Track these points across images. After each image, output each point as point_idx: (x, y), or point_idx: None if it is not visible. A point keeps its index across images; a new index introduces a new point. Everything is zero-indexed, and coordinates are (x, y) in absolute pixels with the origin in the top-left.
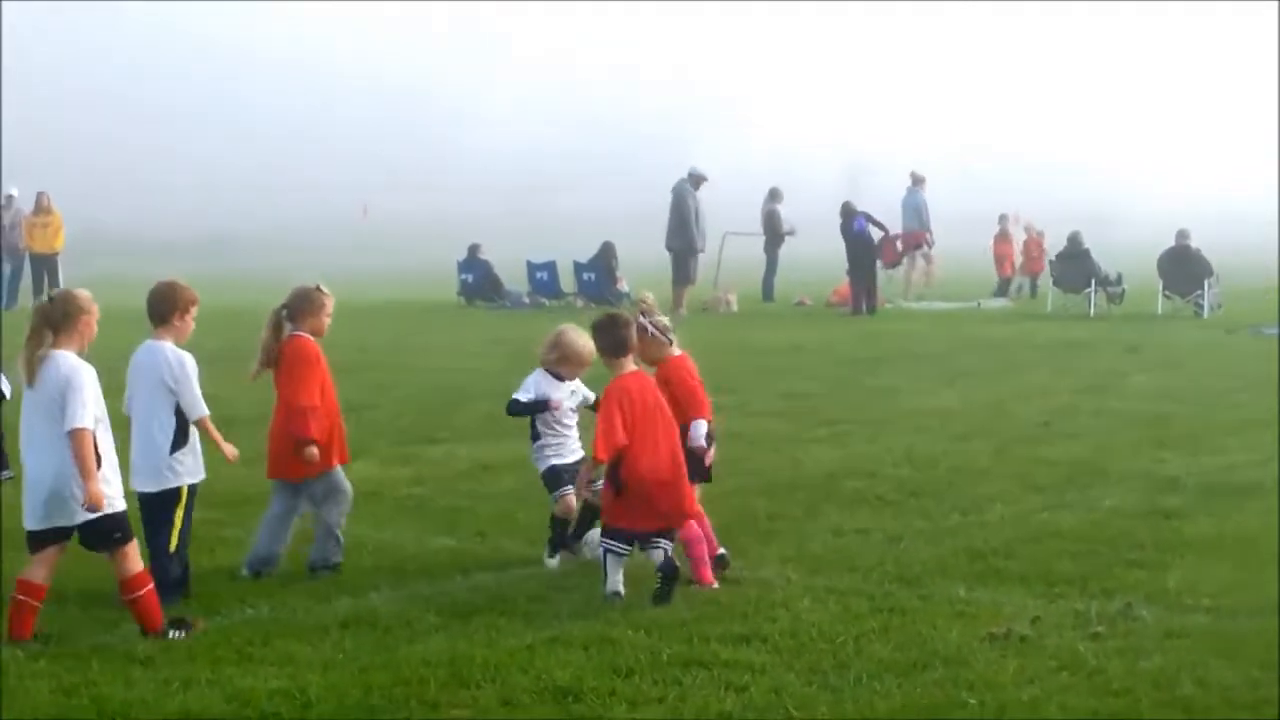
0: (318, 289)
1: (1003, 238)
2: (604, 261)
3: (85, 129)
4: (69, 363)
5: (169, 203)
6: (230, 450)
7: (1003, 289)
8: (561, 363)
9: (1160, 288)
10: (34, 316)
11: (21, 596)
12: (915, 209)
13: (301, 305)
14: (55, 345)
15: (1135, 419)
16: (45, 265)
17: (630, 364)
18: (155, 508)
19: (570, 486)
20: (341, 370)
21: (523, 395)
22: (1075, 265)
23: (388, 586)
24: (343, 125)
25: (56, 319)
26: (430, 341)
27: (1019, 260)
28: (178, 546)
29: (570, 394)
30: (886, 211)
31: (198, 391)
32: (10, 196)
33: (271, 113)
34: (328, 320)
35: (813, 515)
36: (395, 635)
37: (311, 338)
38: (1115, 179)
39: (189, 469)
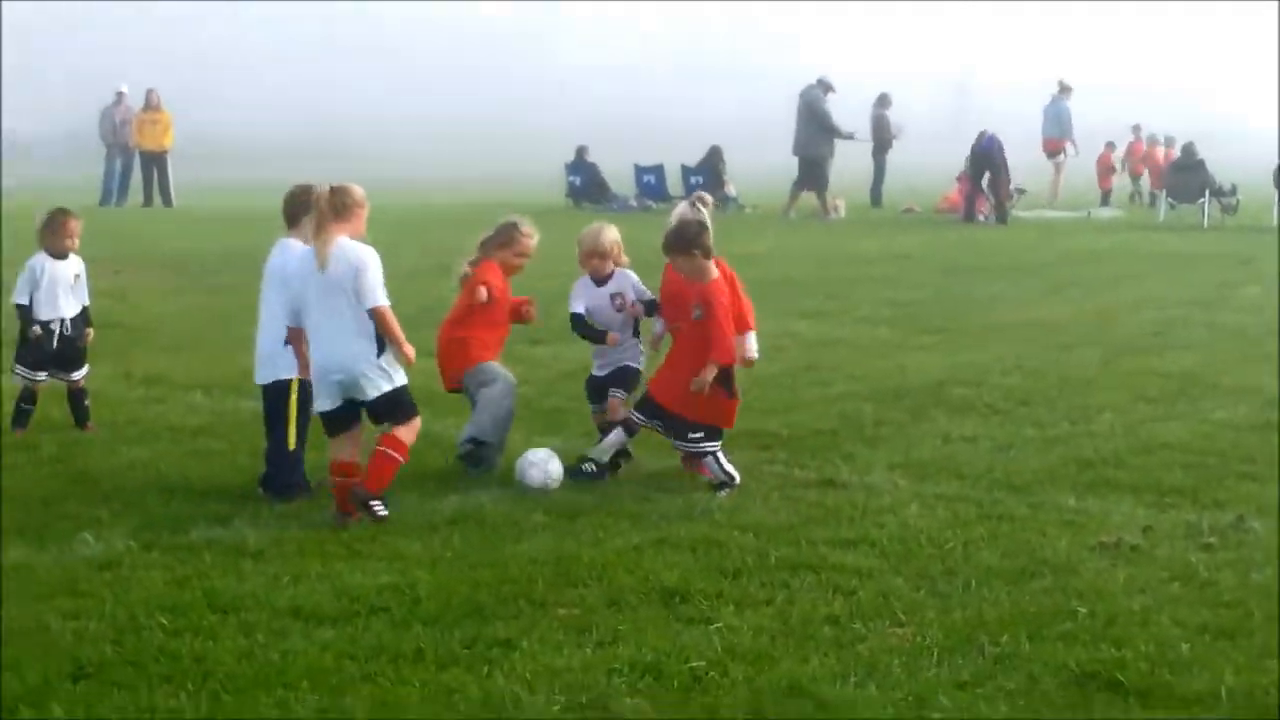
0: (518, 227)
1: (1110, 150)
2: (712, 165)
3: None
4: (356, 247)
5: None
6: (304, 363)
7: (1106, 200)
8: (586, 261)
9: (1276, 199)
10: (318, 206)
11: (339, 478)
12: (1057, 117)
13: (499, 238)
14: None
15: (1247, 332)
16: (155, 162)
17: (714, 267)
18: (272, 401)
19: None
20: (446, 272)
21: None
22: (1189, 176)
23: (495, 485)
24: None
25: (339, 209)
26: (541, 245)
27: (1123, 167)
28: (297, 445)
29: (611, 296)
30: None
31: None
32: (120, 94)
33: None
34: (520, 261)
35: (920, 422)
36: (502, 534)
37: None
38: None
39: (292, 364)
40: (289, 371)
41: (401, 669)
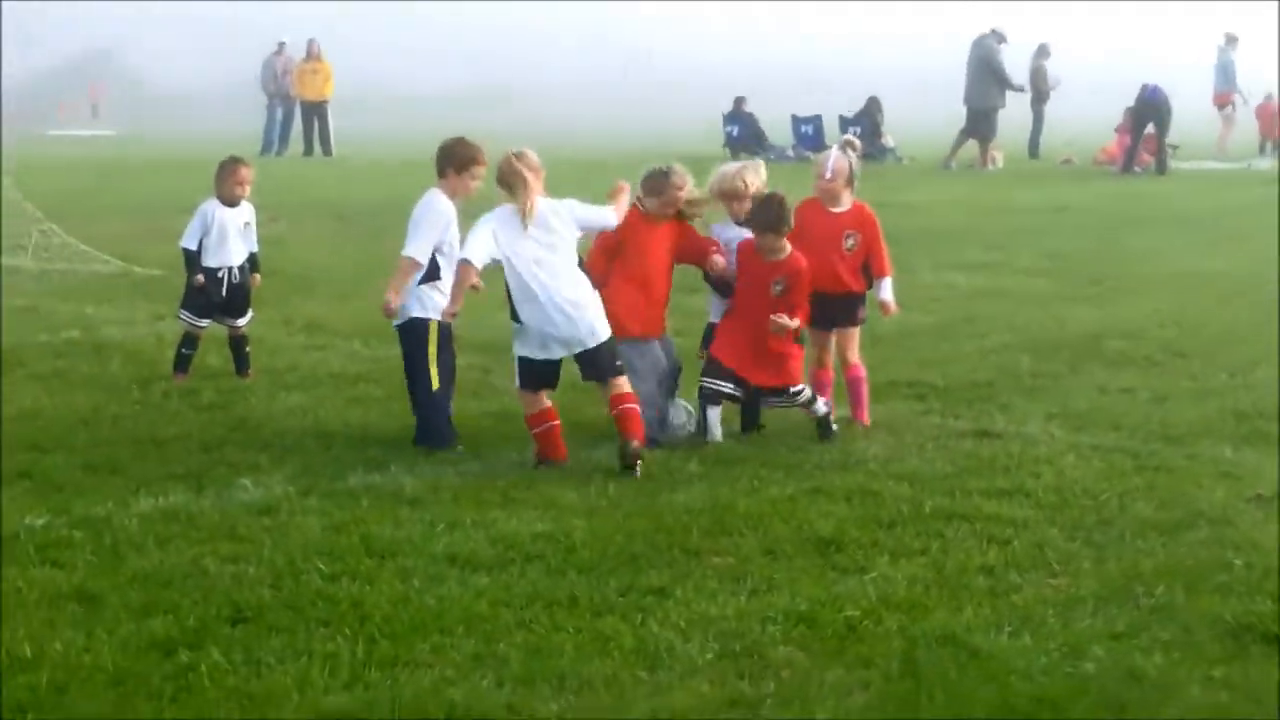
0: (669, 176)
1: (1270, 101)
2: (870, 116)
3: None
4: (553, 204)
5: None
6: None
7: (1265, 150)
8: (719, 202)
9: None
10: (518, 165)
11: (550, 423)
12: (1224, 69)
13: (649, 185)
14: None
15: None
16: (315, 112)
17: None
18: (407, 342)
19: None
20: None
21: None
22: None
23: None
24: None
25: (534, 168)
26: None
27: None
28: (440, 386)
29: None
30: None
31: (423, 236)
32: (282, 44)
33: None
34: (670, 211)
35: (1076, 373)
36: (658, 483)
37: (647, 212)
38: None
39: (434, 305)
40: (422, 311)
41: (556, 616)
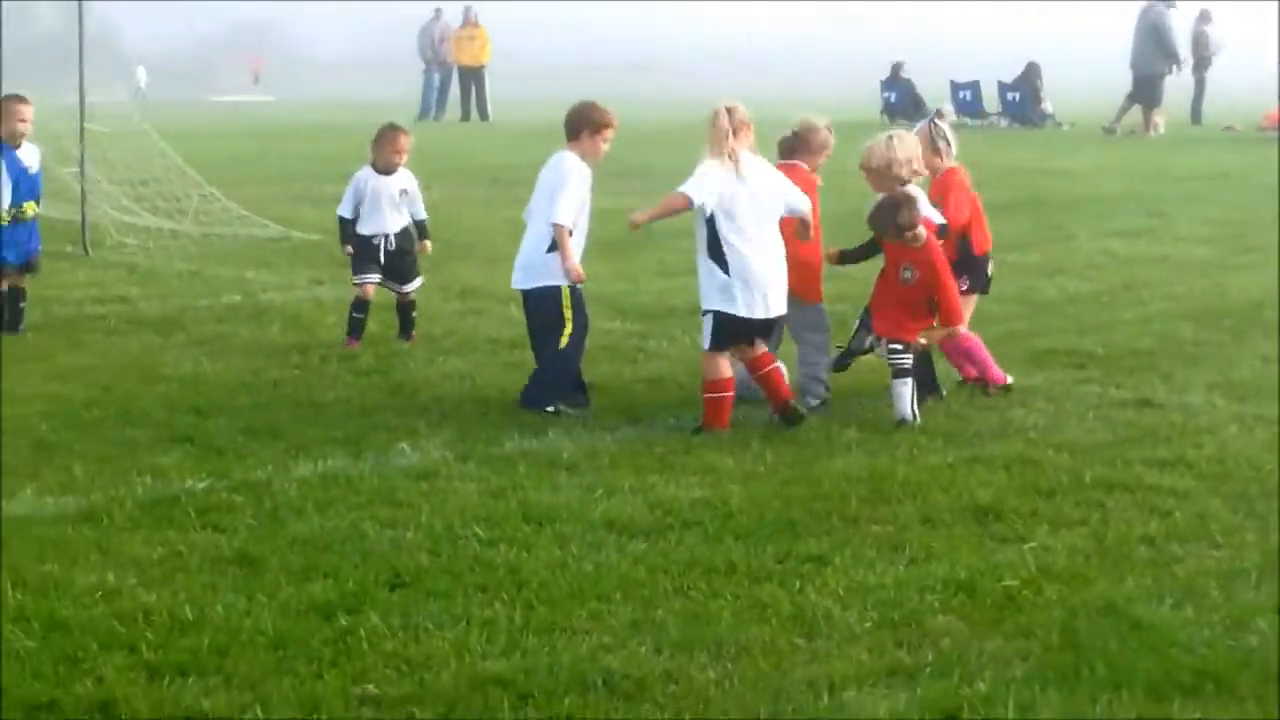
0: (827, 129)
1: None
2: (1029, 82)
3: None
4: (766, 165)
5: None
6: (573, 267)
7: None
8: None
9: None
10: (731, 119)
11: (714, 395)
12: None
13: (797, 141)
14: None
15: None
16: (472, 78)
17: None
18: (536, 307)
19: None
20: None
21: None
22: None
23: (812, 397)
24: None
25: (744, 122)
26: (851, 161)
27: None
28: (569, 348)
29: None
30: None
31: (565, 200)
32: (438, 10)
33: None
34: (821, 160)
35: (1240, 342)
36: (816, 449)
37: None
38: None
39: (558, 271)
40: (554, 278)
41: (714, 582)
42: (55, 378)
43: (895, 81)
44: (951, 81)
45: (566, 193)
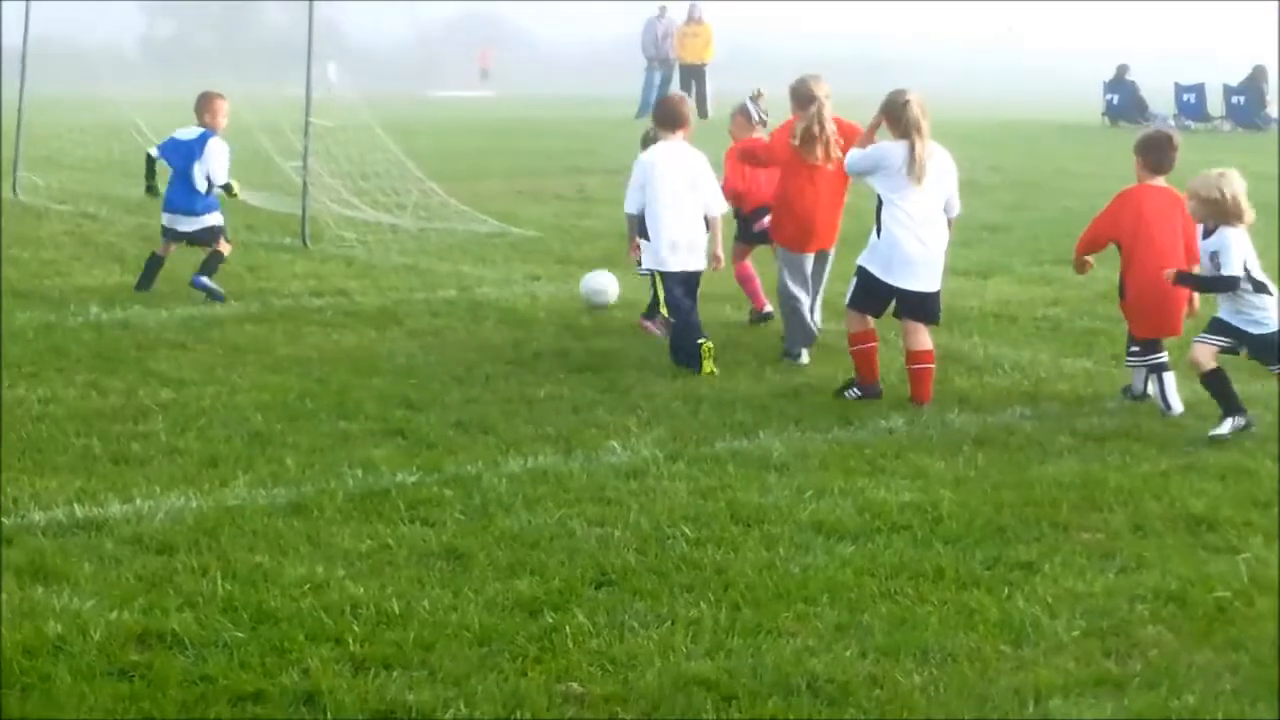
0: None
1: None
2: (1255, 85)
3: None
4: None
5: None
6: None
7: None
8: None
9: None
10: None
11: (859, 346)
12: None
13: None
14: None
15: None
16: (694, 75)
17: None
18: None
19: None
20: (975, 190)
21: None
22: None
23: (1020, 405)
24: None
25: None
26: (1069, 163)
27: None
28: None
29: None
30: None
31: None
32: (663, 8)
33: None
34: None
35: None
36: (1027, 455)
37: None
38: None
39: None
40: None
41: (921, 587)
42: (272, 369)
43: (1120, 84)
44: (1176, 84)
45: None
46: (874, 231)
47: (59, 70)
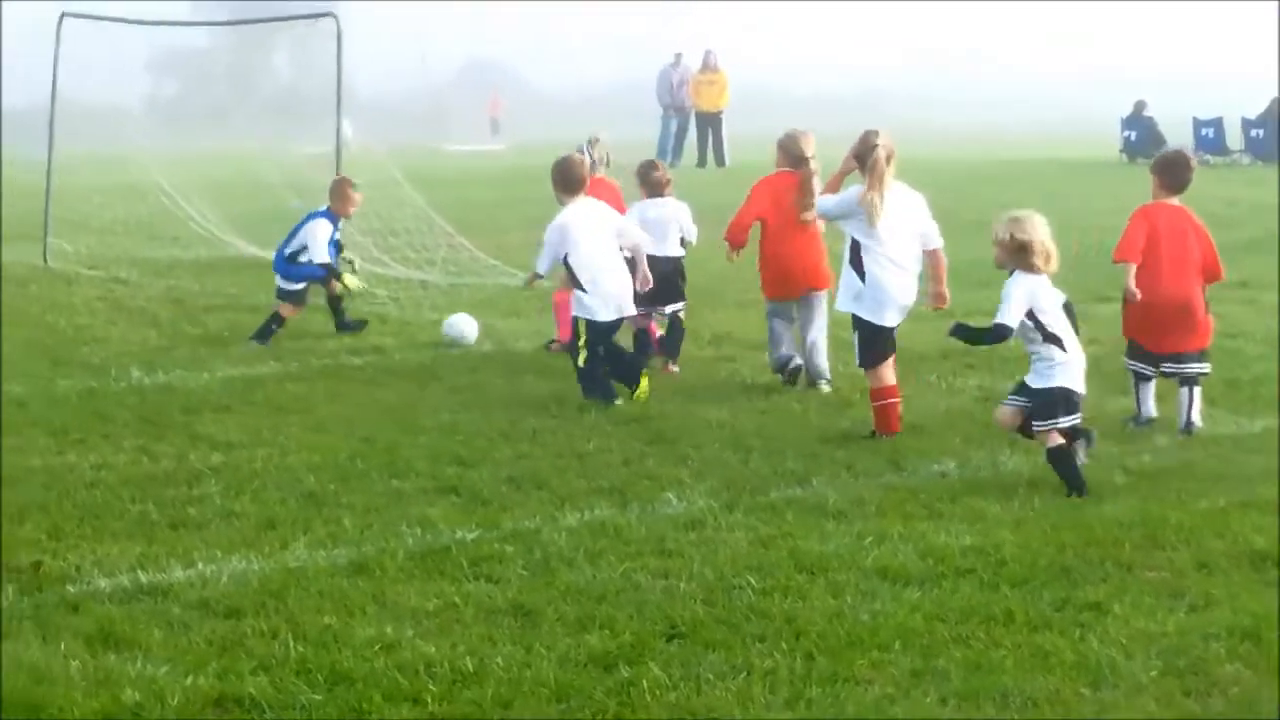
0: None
1: None
2: (1273, 118)
3: None
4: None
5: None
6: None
7: None
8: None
9: None
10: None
11: (888, 400)
12: None
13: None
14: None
15: None
16: (709, 123)
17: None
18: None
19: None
20: (979, 228)
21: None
22: None
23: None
24: None
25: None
26: (1086, 200)
27: None
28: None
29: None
30: None
31: None
32: (678, 55)
33: None
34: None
35: None
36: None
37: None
38: None
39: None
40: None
41: (993, 631)
42: (317, 429)
43: (1137, 120)
44: (1195, 118)
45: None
46: (853, 276)
47: (73, 131)
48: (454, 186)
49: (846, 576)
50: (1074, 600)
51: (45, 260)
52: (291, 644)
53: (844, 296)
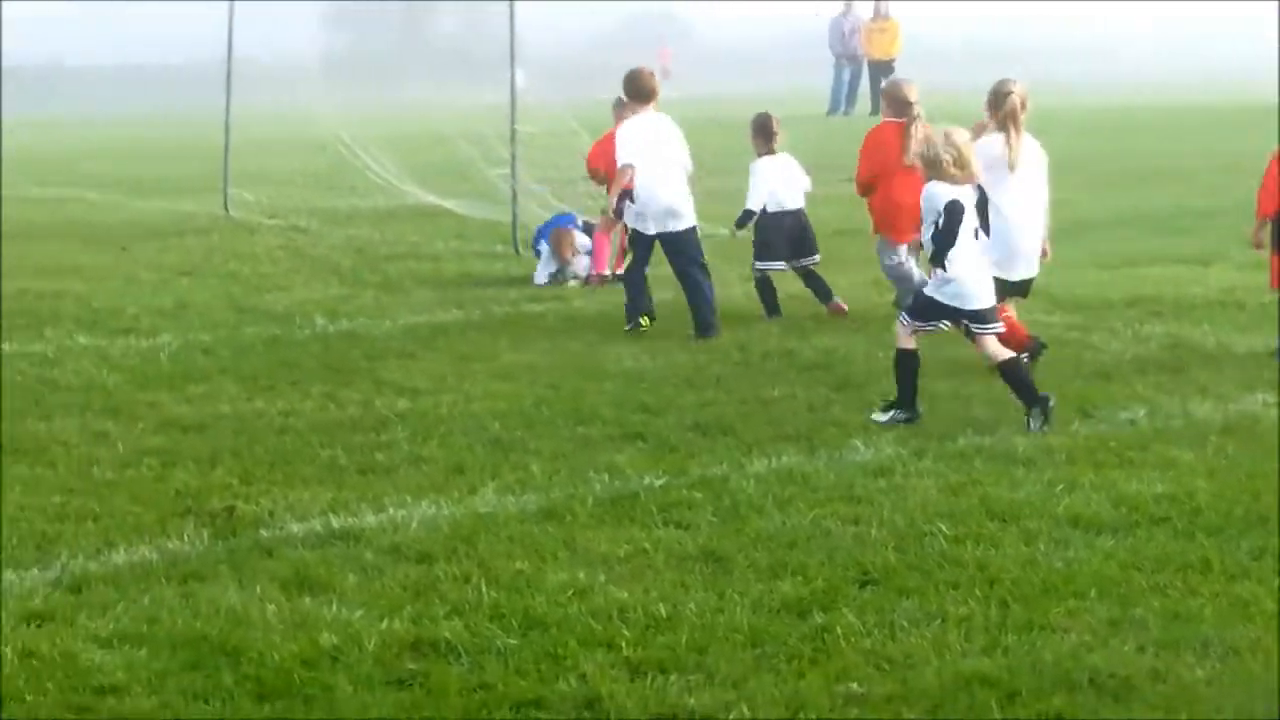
0: None
1: None
2: None
3: None
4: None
5: None
6: None
7: None
8: None
9: None
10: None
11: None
12: None
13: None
14: None
15: None
16: (881, 71)
17: None
18: None
19: None
20: (1178, 177)
21: None
22: None
23: (1262, 393)
24: None
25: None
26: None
27: None
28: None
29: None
30: None
31: None
32: (848, 4)
33: None
34: None
35: None
36: (1276, 442)
37: None
38: None
39: None
40: None
41: (1190, 579)
42: (502, 376)
43: None
44: None
45: None
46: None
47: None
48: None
49: (1038, 524)
50: (1272, 549)
51: (226, 209)
52: (484, 589)
53: None
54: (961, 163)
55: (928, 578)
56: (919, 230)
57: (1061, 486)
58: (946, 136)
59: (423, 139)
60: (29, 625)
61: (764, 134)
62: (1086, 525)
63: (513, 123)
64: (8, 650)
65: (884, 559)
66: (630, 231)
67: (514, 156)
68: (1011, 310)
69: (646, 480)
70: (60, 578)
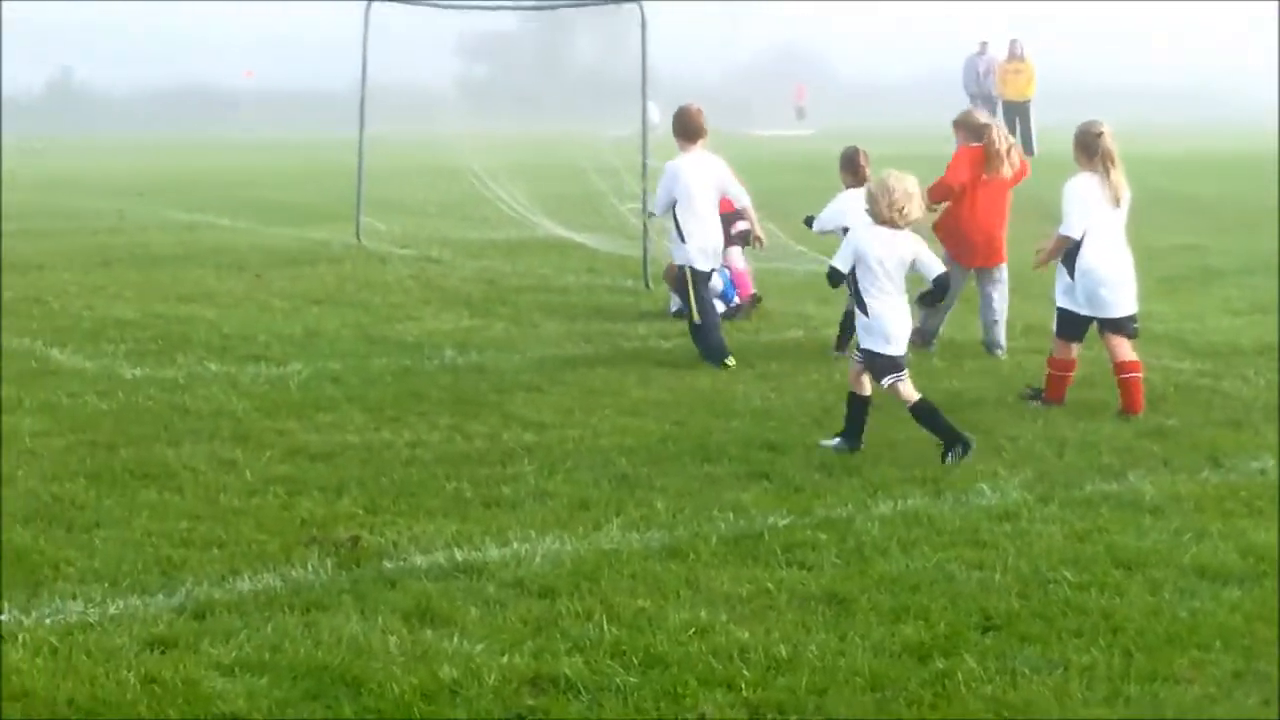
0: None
1: None
2: None
3: None
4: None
5: None
6: None
7: None
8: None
9: None
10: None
11: (1059, 373)
12: None
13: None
14: None
15: None
16: (1016, 111)
17: None
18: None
19: None
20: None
21: None
22: None
23: None
24: None
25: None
26: None
27: None
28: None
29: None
30: None
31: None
32: (984, 44)
33: None
34: None
35: None
36: None
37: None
38: None
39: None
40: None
41: None
42: (629, 412)
43: None
44: None
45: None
46: (1062, 271)
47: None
48: (760, 172)
49: (1164, 573)
50: None
51: (359, 238)
52: (606, 626)
53: (1058, 290)
54: (897, 208)
55: (1051, 625)
56: (986, 260)
57: (1189, 535)
58: (883, 181)
59: (555, 169)
60: (152, 651)
61: (851, 167)
62: (1213, 575)
63: (644, 156)
64: (131, 676)
65: (1007, 605)
66: (692, 271)
67: (645, 191)
68: None
69: (771, 520)
70: (184, 604)
